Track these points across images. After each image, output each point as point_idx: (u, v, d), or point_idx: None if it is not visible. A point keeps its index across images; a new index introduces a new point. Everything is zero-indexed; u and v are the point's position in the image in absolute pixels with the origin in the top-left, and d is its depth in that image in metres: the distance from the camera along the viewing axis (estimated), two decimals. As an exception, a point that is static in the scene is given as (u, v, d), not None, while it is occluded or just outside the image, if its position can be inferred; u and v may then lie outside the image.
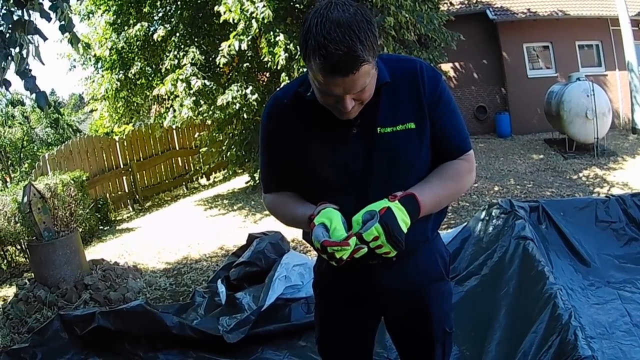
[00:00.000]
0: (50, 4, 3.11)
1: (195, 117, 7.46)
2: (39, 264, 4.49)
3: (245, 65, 6.99)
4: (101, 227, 7.73)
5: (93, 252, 6.22)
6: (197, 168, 10.27)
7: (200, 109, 7.25)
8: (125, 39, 7.62)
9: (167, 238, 6.42)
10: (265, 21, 5.89)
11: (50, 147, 11.90)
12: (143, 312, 2.77)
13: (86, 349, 2.72)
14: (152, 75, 8.10)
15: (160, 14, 7.97)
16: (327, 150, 1.34)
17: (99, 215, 7.78)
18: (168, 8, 7.85)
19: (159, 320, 2.75)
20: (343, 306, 1.52)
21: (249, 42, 6.23)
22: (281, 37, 6.04)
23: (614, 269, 3.02)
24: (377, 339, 1.73)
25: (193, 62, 6.86)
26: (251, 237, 4.01)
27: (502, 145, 10.50)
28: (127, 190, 9.12)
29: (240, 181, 9.47)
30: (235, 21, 6.08)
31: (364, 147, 1.32)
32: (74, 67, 8.83)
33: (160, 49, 7.78)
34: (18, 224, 5.60)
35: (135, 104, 8.55)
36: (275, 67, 6.19)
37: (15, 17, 2.92)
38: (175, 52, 7.22)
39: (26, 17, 2.96)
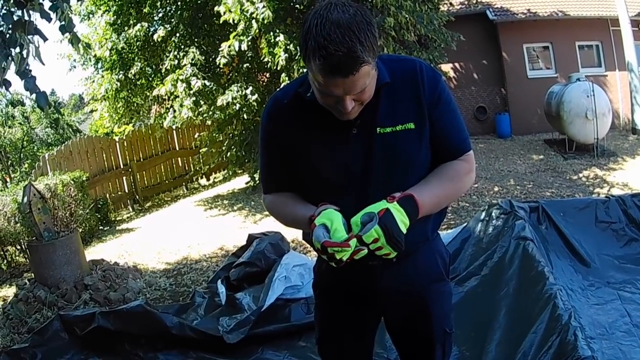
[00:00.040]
0: (50, 4, 3.12)
1: (195, 118, 7.47)
2: (39, 264, 4.50)
3: (245, 65, 6.99)
4: (101, 228, 7.72)
5: (93, 253, 6.22)
6: (197, 168, 10.27)
7: (200, 110, 7.25)
8: (125, 39, 7.62)
9: (167, 238, 6.42)
10: (265, 22, 5.89)
11: (50, 148, 11.90)
12: (143, 313, 2.77)
13: (86, 349, 2.72)
14: (152, 76, 8.10)
15: (160, 15, 7.97)
16: (327, 151, 1.34)
17: (98, 216, 7.78)
18: (168, 8, 7.85)
19: (159, 321, 2.75)
20: (343, 306, 1.52)
21: (249, 43, 6.23)
22: (281, 37, 6.04)
23: (614, 270, 3.02)
24: (377, 339, 1.73)
25: (193, 62, 6.86)
26: (251, 238, 4.01)
27: (502, 145, 10.50)
28: (127, 191, 9.12)
29: (240, 181, 9.47)
30: (235, 21, 6.08)
31: (364, 147, 1.32)
32: (74, 67, 8.86)
33: (160, 49, 7.78)
34: (18, 224, 5.61)
35: (135, 105, 8.55)
36: (275, 67, 6.19)
37: (15, 18, 2.92)
38: (175, 53, 7.22)
39: (26, 18, 2.96)
